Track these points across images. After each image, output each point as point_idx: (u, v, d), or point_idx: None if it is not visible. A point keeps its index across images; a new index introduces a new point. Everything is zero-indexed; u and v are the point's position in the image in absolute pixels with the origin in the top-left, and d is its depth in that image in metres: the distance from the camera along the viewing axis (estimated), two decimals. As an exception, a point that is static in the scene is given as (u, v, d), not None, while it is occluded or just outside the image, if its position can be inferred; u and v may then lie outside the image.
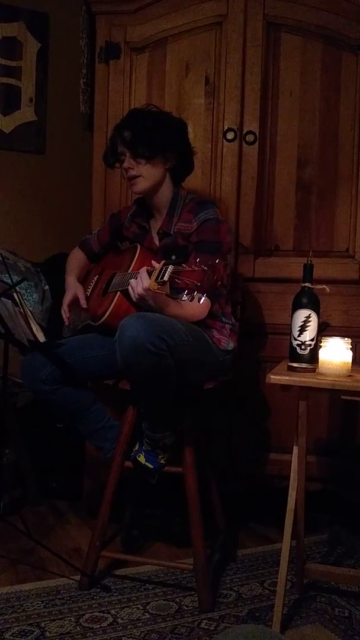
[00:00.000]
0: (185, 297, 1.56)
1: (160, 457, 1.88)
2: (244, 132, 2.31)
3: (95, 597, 1.86)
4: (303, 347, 1.71)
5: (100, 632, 1.69)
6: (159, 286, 1.57)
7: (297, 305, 1.74)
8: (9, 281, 1.95)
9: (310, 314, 1.72)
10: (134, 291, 1.74)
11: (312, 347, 1.71)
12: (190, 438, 1.86)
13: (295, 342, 1.72)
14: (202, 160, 2.33)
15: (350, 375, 1.65)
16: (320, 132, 2.34)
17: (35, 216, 3.08)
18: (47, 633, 1.67)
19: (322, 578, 1.94)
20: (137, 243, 2.08)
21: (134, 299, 1.76)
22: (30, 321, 1.89)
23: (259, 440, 2.37)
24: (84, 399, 2.00)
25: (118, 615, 1.77)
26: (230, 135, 2.31)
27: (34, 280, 2.74)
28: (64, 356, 1.94)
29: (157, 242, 2.05)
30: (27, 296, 2.68)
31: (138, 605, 1.83)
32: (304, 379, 1.64)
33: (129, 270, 1.95)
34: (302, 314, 1.72)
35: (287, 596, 1.82)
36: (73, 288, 2.15)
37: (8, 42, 2.98)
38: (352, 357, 1.68)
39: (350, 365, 1.67)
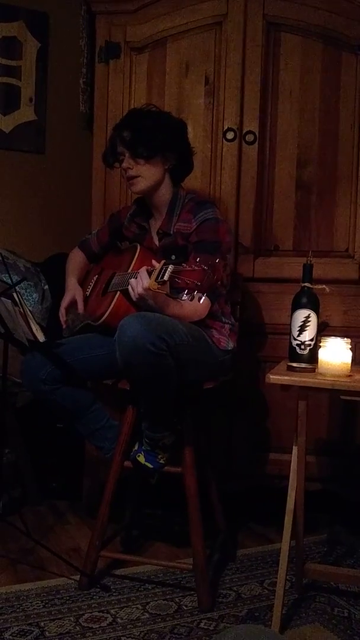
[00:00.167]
0: (185, 297, 1.56)
1: (159, 457, 1.88)
2: (244, 132, 2.31)
3: (94, 597, 1.86)
4: (302, 347, 1.71)
5: (100, 631, 1.69)
6: (159, 286, 1.57)
7: (296, 305, 1.74)
8: (9, 281, 1.95)
9: (309, 314, 1.72)
10: (134, 291, 1.74)
11: (311, 347, 1.71)
12: (190, 438, 1.86)
13: (294, 342, 1.72)
14: (202, 160, 2.33)
15: (349, 375, 1.65)
16: (320, 132, 2.34)
17: (35, 216, 3.08)
18: (47, 633, 1.67)
19: (322, 578, 1.94)
20: (137, 243, 2.07)
21: (134, 299, 1.76)
22: (30, 321, 1.89)
23: (258, 440, 2.37)
24: (83, 399, 2.00)
25: (117, 615, 1.77)
26: (230, 135, 2.31)
27: (33, 280, 2.74)
28: (64, 356, 1.94)
29: (156, 242, 2.05)
30: (27, 296, 2.68)
31: (137, 605, 1.83)
32: (303, 379, 1.64)
33: (129, 270, 1.95)
34: (301, 314, 1.73)
35: (286, 596, 1.82)
36: (72, 291, 2.16)
37: (8, 42, 2.98)
38: (352, 357, 1.68)
39: (350, 365, 1.67)
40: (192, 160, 2.09)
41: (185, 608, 1.83)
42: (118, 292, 1.93)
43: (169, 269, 1.56)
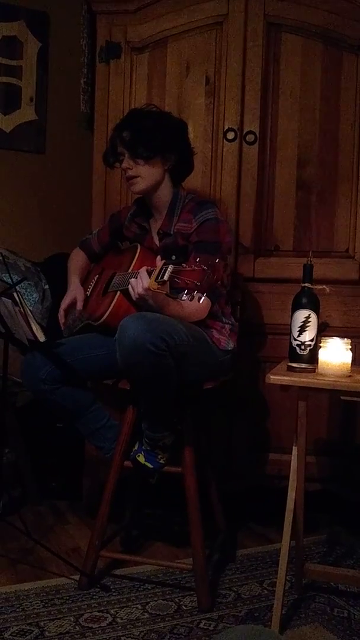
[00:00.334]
0: (185, 297, 1.56)
1: (159, 457, 1.88)
2: (244, 132, 2.31)
3: (94, 597, 1.86)
4: (303, 347, 1.71)
5: (100, 631, 1.69)
6: (159, 286, 1.57)
7: (296, 306, 1.74)
8: (9, 280, 1.95)
9: (310, 314, 1.72)
10: (134, 291, 1.74)
11: (311, 347, 1.71)
12: (189, 438, 1.86)
13: (294, 343, 1.72)
14: (203, 160, 2.33)
15: (349, 376, 1.65)
16: (320, 132, 2.34)
17: (35, 216, 3.08)
18: (47, 633, 1.67)
19: (321, 578, 1.94)
20: (137, 243, 2.08)
21: (134, 299, 1.76)
22: (30, 321, 1.89)
23: (258, 441, 2.37)
24: (83, 399, 2.00)
25: (117, 615, 1.77)
26: (230, 135, 2.31)
27: (33, 279, 2.74)
28: (64, 356, 1.94)
29: (157, 242, 2.05)
30: (27, 295, 2.68)
31: (137, 605, 1.83)
32: (303, 379, 1.64)
33: (129, 270, 1.95)
34: (301, 314, 1.72)
35: (286, 596, 1.82)
36: (73, 291, 2.16)
37: (8, 42, 2.98)
38: (352, 357, 1.68)
39: (350, 365, 1.67)
40: (193, 161, 2.09)
41: (184, 608, 1.83)
42: (118, 292, 1.93)
43: (168, 269, 1.56)
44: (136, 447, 1.91)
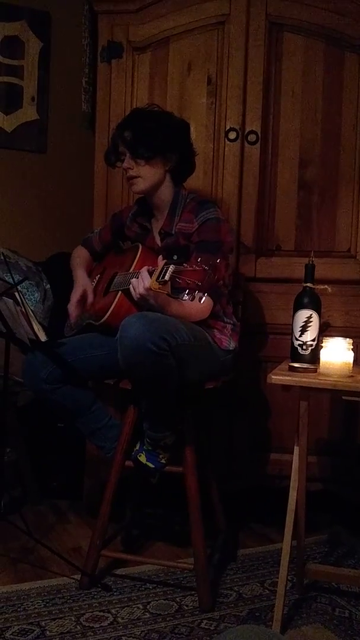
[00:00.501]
0: (186, 297, 1.56)
1: (161, 456, 1.88)
2: (246, 131, 2.31)
3: (95, 597, 1.87)
4: (304, 347, 1.71)
5: (101, 631, 1.69)
6: (160, 286, 1.57)
7: (298, 306, 1.74)
8: (11, 280, 1.95)
9: (311, 314, 1.72)
10: (135, 291, 1.74)
11: (313, 347, 1.71)
12: (191, 438, 1.86)
13: (296, 342, 1.72)
14: (204, 160, 2.33)
15: (351, 376, 1.65)
16: (322, 132, 2.34)
17: (37, 215, 3.08)
18: (48, 632, 1.67)
19: (323, 578, 1.94)
20: (139, 243, 2.08)
21: (135, 299, 1.76)
22: (32, 320, 1.89)
23: (259, 440, 2.37)
24: (84, 399, 2.00)
25: (118, 615, 1.77)
26: (232, 135, 2.31)
27: (35, 279, 2.74)
28: (65, 355, 1.94)
29: (158, 242, 2.05)
30: (29, 295, 2.68)
31: (138, 605, 1.83)
32: (305, 379, 1.64)
33: (131, 270, 1.95)
34: (303, 314, 1.72)
35: (287, 596, 1.82)
36: (83, 285, 2.13)
37: (10, 41, 2.98)
38: (354, 357, 1.68)
39: (352, 365, 1.67)
40: (194, 161, 2.08)
41: (186, 608, 1.83)
42: (119, 292, 1.93)
43: (170, 269, 1.56)
44: (137, 447, 1.91)
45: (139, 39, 2.37)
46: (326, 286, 1.80)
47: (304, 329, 1.72)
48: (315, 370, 1.70)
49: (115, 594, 1.89)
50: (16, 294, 1.88)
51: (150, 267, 1.69)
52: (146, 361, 1.66)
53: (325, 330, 2.19)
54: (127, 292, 1.86)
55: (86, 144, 2.61)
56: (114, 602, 1.84)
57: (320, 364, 1.69)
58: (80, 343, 2.02)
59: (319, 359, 1.70)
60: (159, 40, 2.37)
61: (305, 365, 1.71)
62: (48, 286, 2.76)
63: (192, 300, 1.56)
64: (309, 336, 1.71)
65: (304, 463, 1.78)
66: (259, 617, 1.79)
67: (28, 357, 1.97)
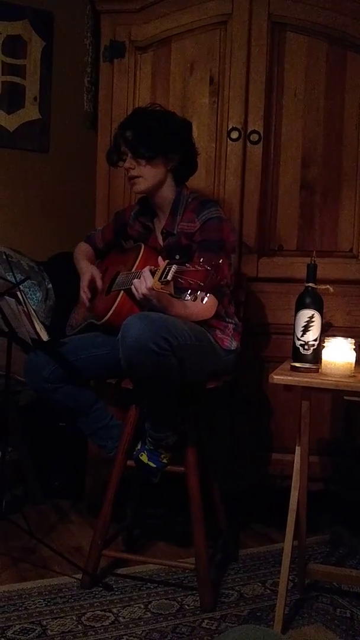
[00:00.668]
0: (188, 297, 1.56)
1: (162, 456, 1.88)
2: (248, 131, 2.31)
3: (96, 596, 1.87)
4: (306, 347, 1.71)
5: (102, 630, 1.69)
6: (162, 286, 1.57)
7: (300, 305, 1.74)
8: (13, 280, 1.95)
9: (313, 314, 1.72)
10: (137, 291, 1.74)
11: (315, 347, 1.71)
12: (192, 438, 1.86)
13: (298, 342, 1.72)
14: (206, 160, 2.33)
15: (353, 376, 1.65)
16: (324, 132, 2.34)
17: (39, 215, 3.08)
18: (49, 631, 1.67)
19: (324, 578, 1.94)
20: (141, 242, 2.07)
21: (138, 299, 1.76)
22: (34, 320, 1.89)
23: (261, 440, 2.36)
24: (85, 398, 2.00)
25: (119, 614, 1.77)
26: (234, 135, 2.31)
27: (37, 278, 2.74)
28: (67, 355, 1.94)
29: (161, 242, 2.05)
30: (31, 295, 2.68)
31: (139, 604, 1.83)
32: (307, 379, 1.64)
33: (133, 270, 1.95)
34: (305, 314, 1.72)
35: (288, 596, 1.81)
36: (88, 271, 2.14)
37: (13, 41, 2.98)
38: (356, 357, 1.68)
39: (353, 365, 1.67)
40: (196, 161, 2.08)
41: (187, 607, 1.83)
42: (121, 292, 1.93)
43: (172, 269, 1.56)
44: (139, 447, 1.91)
45: (141, 38, 2.37)
46: (328, 286, 1.79)
47: (306, 329, 1.72)
48: (317, 370, 1.70)
49: (116, 593, 1.89)
50: (18, 293, 1.89)
51: (153, 267, 1.69)
52: (147, 361, 1.66)
53: (327, 330, 2.19)
54: (129, 292, 1.85)
55: (88, 143, 2.61)
56: (115, 601, 1.84)
57: (322, 364, 1.69)
58: (82, 342, 2.02)
59: (320, 359, 1.70)
60: (161, 39, 2.37)
61: (307, 365, 1.71)
62: (50, 286, 2.76)
63: (194, 300, 1.56)
64: (311, 336, 1.71)
65: (306, 463, 1.78)
66: (260, 617, 1.79)
67: (30, 356, 1.97)
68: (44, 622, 1.71)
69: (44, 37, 3.04)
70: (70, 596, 1.85)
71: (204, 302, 1.57)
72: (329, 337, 1.69)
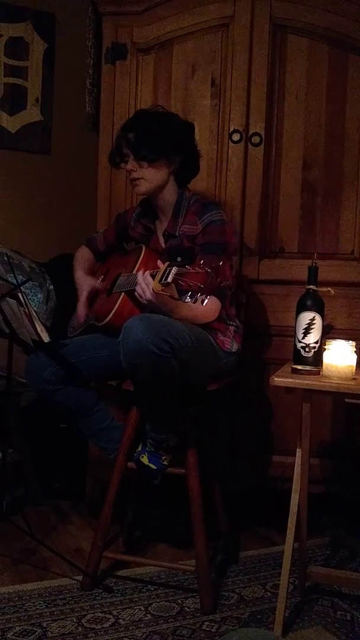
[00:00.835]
0: (188, 299, 1.56)
1: (163, 458, 1.88)
2: (250, 133, 2.31)
3: (97, 598, 1.87)
4: (307, 349, 1.71)
5: (102, 632, 1.69)
6: (163, 287, 1.57)
7: (301, 308, 1.74)
8: (14, 281, 1.96)
9: (314, 317, 1.72)
10: (142, 297, 1.75)
11: (316, 349, 1.71)
12: (193, 439, 1.86)
13: (299, 345, 1.72)
14: (208, 162, 2.33)
15: (354, 378, 1.65)
16: (325, 134, 2.34)
17: (40, 216, 3.09)
18: (49, 633, 1.67)
19: (324, 581, 1.93)
20: (143, 244, 2.08)
21: (143, 303, 1.77)
22: (35, 321, 1.89)
23: (262, 442, 2.36)
24: (86, 399, 2.00)
25: (120, 616, 1.77)
26: (235, 137, 2.31)
27: (38, 280, 2.74)
28: (68, 356, 1.94)
29: (162, 244, 2.05)
30: (32, 296, 2.69)
31: (140, 607, 1.83)
32: (307, 382, 1.64)
33: (134, 271, 1.95)
34: (306, 317, 1.72)
35: (289, 599, 1.81)
36: (85, 284, 2.14)
37: (15, 42, 2.99)
38: (357, 360, 1.68)
39: (355, 368, 1.66)
40: (198, 163, 2.08)
41: (187, 610, 1.83)
42: (123, 293, 1.93)
43: (172, 271, 1.56)
44: (140, 448, 1.91)
45: (143, 40, 2.37)
46: (329, 288, 1.79)
47: (307, 331, 1.72)
48: (318, 373, 1.70)
49: (116, 595, 1.89)
50: (19, 294, 1.89)
51: (152, 271, 1.69)
52: (148, 363, 1.66)
53: (328, 333, 2.19)
54: (130, 293, 1.86)
55: (90, 145, 2.61)
56: (115, 603, 1.84)
57: (323, 367, 1.69)
58: (83, 344, 2.03)
59: (321, 361, 1.70)
60: (163, 41, 2.37)
61: (308, 368, 1.71)
62: (51, 287, 2.77)
63: (194, 303, 1.56)
64: (312, 338, 1.71)
65: (307, 465, 1.78)
66: (261, 620, 1.79)
67: (31, 357, 1.97)
68: (44, 624, 1.71)
69: (45, 38, 3.05)
70: (70, 598, 1.85)
71: (204, 304, 1.57)
72: (330, 340, 1.69)
